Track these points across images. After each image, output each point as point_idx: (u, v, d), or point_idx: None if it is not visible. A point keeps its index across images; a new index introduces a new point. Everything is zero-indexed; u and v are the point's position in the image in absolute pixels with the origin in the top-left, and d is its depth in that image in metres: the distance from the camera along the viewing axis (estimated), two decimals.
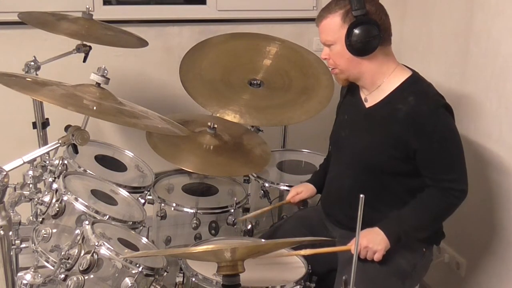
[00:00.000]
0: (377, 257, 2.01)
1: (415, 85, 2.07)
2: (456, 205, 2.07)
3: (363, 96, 2.15)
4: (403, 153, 2.03)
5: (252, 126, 2.85)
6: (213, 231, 2.49)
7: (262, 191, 2.62)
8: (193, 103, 2.70)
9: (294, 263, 2.04)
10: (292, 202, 2.42)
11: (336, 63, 2.09)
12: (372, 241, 2.01)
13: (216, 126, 2.52)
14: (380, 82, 2.08)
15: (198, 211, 2.42)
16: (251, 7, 3.25)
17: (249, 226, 2.49)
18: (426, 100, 2.02)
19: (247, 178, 2.68)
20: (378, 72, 2.08)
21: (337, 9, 2.02)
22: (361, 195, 1.41)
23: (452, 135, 2.04)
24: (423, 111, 2.00)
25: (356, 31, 1.99)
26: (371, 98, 2.12)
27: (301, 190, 2.41)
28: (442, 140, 2.01)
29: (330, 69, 2.16)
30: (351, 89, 2.22)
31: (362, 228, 1.47)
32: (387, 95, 2.08)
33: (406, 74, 2.09)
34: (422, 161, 2.03)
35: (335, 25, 2.03)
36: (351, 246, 2.00)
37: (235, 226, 2.48)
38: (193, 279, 1.90)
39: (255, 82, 2.81)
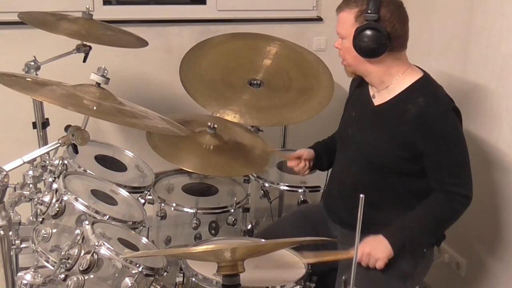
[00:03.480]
0: (379, 265, 2.00)
1: (426, 86, 2.06)
2: (460, 211, 2.06)
3: (371, 93, 2.15)
4: (410, 153, 2.03)
5: (252, 126, 2.85)
6: (213, 231, 2.49)
7: (262, 191, 2.62)
8: (193, 103, 2.70)
9: (294, 263, 2.04)
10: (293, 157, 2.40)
11: (346, 57, 2.10)
12: (374, 249, 2.00)
13: (216, 126, 2.52)
14: (389, 83, 2.08)
15: (198, 211, 2.42)
16: (251, 7, 3.25)
17: (249, 226, 2.49)
18: (435, 102, 2.01)
19: (247, 178, 2.68)
20: (386, 74, 2.07)
21: (353, 6, 2.01)
22: (361, 195, 1.41)
23: (459, 139, 2.03)
24: (432, 113, 1.99)
25: (363, 35, 1.98)
26: (379, 96, 2.12)
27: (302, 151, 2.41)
28: (449, 143, 2.01)
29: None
30: (361, 85, 2.21)
31: (363, 227, 1.46)
32: (396, 95, 2.07)
33: (417, 75, 2.07)
34: (428, 163, 2.03)
35: (348, 21, 2.02)
36: (352, 252, 1.99)
37: (235, 226, 2.48)
38: (193, 279, 1.90)
39: (255, 82, 2.81)
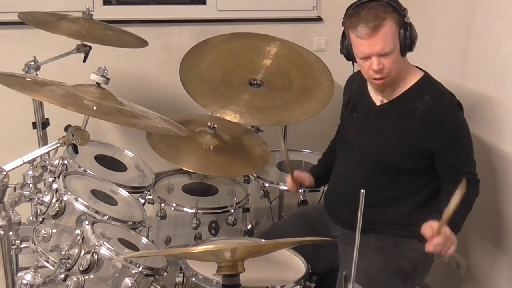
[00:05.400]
0: (451, 251, 1.92)
1: (430, 84, 2.10)
2: (478, 194, 2.08)
3: (378, 97, 2.15)
4: (417, 150, 2.05)
5: (252, 126, 2.85)
6: (213, 231, 2.49)
7: (262, 191, 2.62)
8: (193, 103, 2.70)
9: (294, 263, 2.04)
10: (296, 177, 2.35)
11: (392, 69, 2.01)
12: (455, 241, 1.92)
13: (216, 126, 2.52)
14: (400, 82, 2.10)
15: (198, 211, 2.42)
16: (251, 7, 3.25)
17: (249, 226, 2.49)
18: (442, 99, 2.06)
19: (247, 178, 2.68)
20: (402, 72, 2.08)
21: (389, 15, 1.95)
22: (362, 190, 1.40)
23: (466, 131, 2.08)
24: (440, 109, 2.03)
25: (411, 31, 2.00)
26: (384, 96, 2.13)
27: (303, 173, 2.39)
28: (459, 136, 2.05)
29: (373, 78, 2.03)
30: (359, 88, 2.22)
31: (363, 226, 1.45)
32: (401, 94, 2.09)
33: (419, 74, 2.11)
34: (441, 158, 2.05)
35: (393, 31, 1.97)
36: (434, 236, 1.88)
37: (235, 226, 2.48)
38: (193, 279, 1.90)
39: (255, 82, 2.81)
